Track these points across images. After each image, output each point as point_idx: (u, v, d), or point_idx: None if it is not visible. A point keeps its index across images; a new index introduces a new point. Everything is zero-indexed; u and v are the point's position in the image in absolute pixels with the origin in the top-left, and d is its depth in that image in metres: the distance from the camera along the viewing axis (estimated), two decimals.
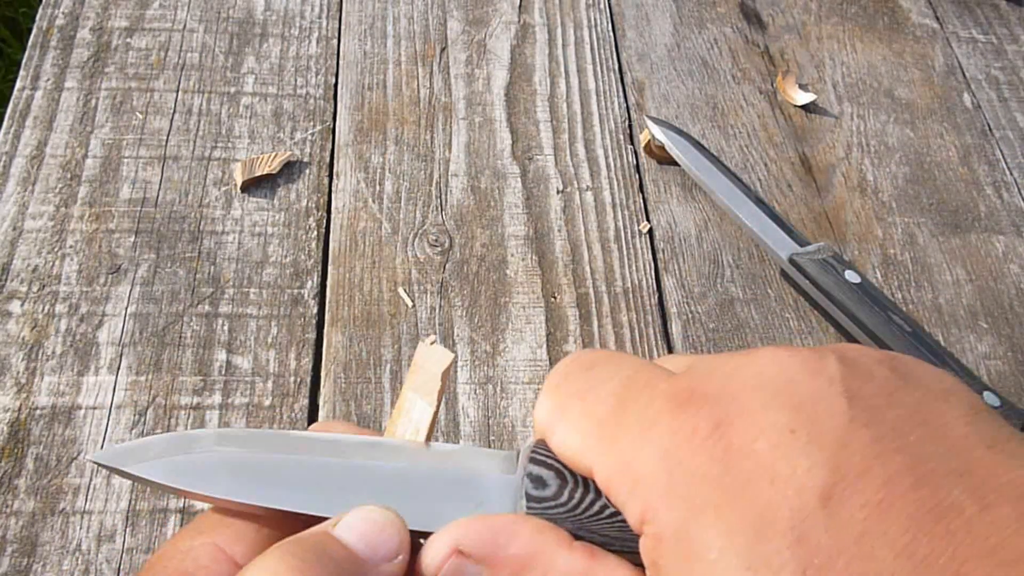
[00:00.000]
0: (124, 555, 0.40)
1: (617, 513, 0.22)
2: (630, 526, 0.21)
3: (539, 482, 0.23)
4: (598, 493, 0.22)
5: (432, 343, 0.27)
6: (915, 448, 0.18)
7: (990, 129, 0.63)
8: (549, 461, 0.23)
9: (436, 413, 0.26)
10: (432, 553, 0.23)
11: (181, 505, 0.41)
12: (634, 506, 0.21)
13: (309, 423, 0.45)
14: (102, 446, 0.42)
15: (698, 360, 0.23)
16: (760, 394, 0.20)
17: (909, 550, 0.17)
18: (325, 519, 0.23)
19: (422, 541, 0.23)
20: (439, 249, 0.52)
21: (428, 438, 0.26)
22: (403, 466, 0.24)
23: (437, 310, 0.49)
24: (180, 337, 0.47)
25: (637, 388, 0.22)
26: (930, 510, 0.17)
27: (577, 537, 0.22)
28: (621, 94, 0.61)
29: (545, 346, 0.48)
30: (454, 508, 0.24)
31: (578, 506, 0.23)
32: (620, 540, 0.22)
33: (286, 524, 0.24)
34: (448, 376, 0.27)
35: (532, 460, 0.23)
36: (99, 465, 0.24)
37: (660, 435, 0.20)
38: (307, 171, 0.54)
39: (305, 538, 0.23)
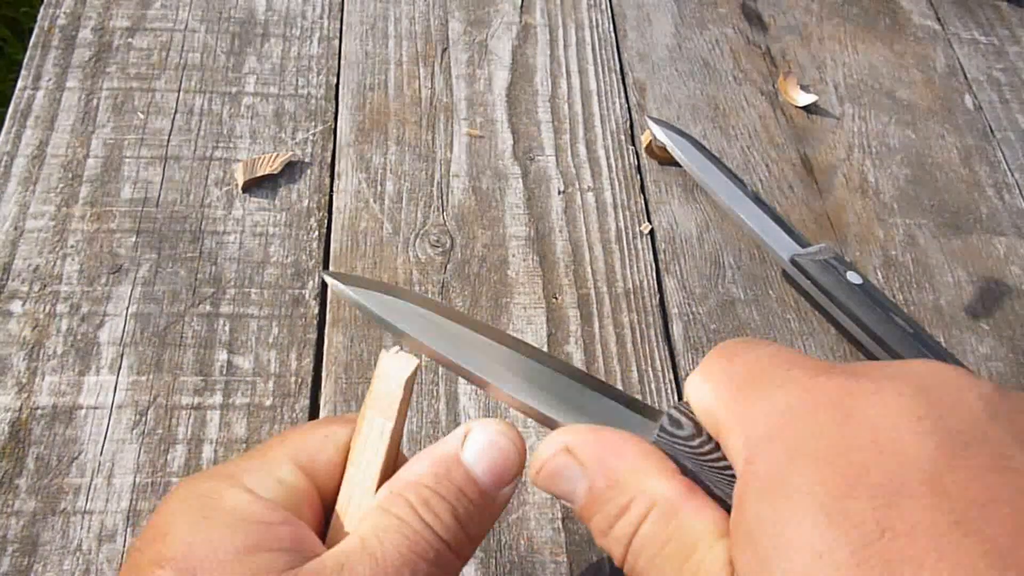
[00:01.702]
0: (125, 555, 0.40)
1: (731, 468, 0.23)
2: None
3: (676, 423, 0.24)
4: (724, 453, 0.24)
5: (396, 352, 0.27)
6: None
7: (991, 130, 0.63)
8: (690, 415, 0.25)
9: (398, 429, 0.26)
10: (545, 446, 0.25)
11: None
12: (742, 449, 0.21)
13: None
14: (103, 446, 0.42)
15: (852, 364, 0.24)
16: (902, 384, 0.20)
17: (1001, 560, 0.17)
18: (478, 378, 0.26)
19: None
20: (440, 249, 0.52)
21: (390, 461, 0.26)
22: (569, 381, 0.27)
23: None
24: (181, 337, 0.47)
25: (781, 358, 0.23)
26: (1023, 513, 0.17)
27: (687, 474, 0.24)
28: (622, 95, 0.61)
29: (546, 347, 0.48)
30: (590, 419, 0.26)
31: (705, 454, 0.24)
32: (731, 497, 0.23)
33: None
34: (412, 385, 0.27)
35: (676, 408, 0.25)
36: (330, 278, 0.28)
37: (788, 393, 0.21)
38: (308, 171, 0.54)
39: (438, 462, 0.25)
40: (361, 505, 0.26)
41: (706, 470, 0.23)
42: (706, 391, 0.23)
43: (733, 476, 0.22)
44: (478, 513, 0.25)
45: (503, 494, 0.26)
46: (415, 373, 0.26)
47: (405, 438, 0.45)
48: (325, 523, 0.27)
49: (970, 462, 0.18)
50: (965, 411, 0.19)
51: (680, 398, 0.47)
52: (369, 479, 0.26)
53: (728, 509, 0.22)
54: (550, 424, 0.26)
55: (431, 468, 0.25)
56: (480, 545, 0.41)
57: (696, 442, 0.24)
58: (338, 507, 0.26)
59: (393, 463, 0.27)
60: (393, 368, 0.26)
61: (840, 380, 0.21)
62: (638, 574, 0.23)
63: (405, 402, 0.26)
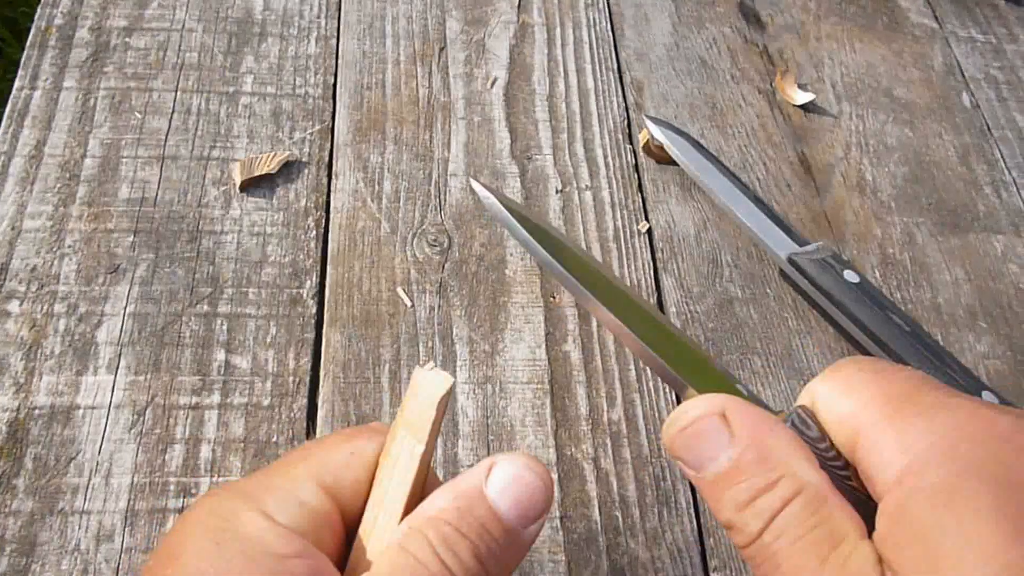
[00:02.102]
0: (123, 555, 0.40)
1: (857, 490, 0.23)
2: (868, 493, 0.22)
3: (804, 423, 0.24)
4: (846, 464, 0.24)
5: (430, 368, 0.25)
6: None
7: (989, 129, 0.63)
8: (815, 418, 0.25)
9: (429, 451, 0.25)
10: (700, 404, 0.24)
11: (180, 505, 0.41)
12: (899, 460, 0.21)
13: (308, 423, 0.45)
14: (101, 446, 0.42)
15: None
16: None
17: None
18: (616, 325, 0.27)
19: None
20: (438, 249, 0.52)
21: (419, 484, 0.25)
22: (699, 353, 0.27)
23: (436, 310, 0.49)
24: (179, 337, 0.46)
25: (933, 384, 0.23)
26: None
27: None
28: (620, 94, 0.61)
29: (544, 346, 0.48)
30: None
31: (827, 453, 0.24)
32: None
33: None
34: (446, 405, 0.25)
35: (800, 409, 0.25)
36: (480, 187, 0.29)
37: (955, 416, 0.21)
38: (306, 171, 0.54)
39: (461, 496, 0.24)
40: (386, 530, 0.25)
41: (829, 469, 0.23)
42: (849, 403, 0.23)
43: (854, 488, 0.23)
44: (501, 552, 0.24)
45: (529, 532, 0.24)
46: (450, 392, 0.25)
47: None
48: (347, 543, 0.26)
49: None
50: None
51: (677, 397, 0.47)
52: (396, 503, 0.25)
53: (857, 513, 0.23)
54: (677, 386, 0.26)
55: (454, 503, 0.24)
56: None
57: (822, 445, 0.24)
58: (362, 530, 0.25)
59: (422, 486, 0.26)
60: (427, 386, 0.25)
61: (1009, 416, 0.21)
62: (772, 553, 0.22)
63: (438, 423, 0.25)
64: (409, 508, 0.25)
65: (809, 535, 0.22)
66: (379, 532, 0.25)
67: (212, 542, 0.23)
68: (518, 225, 0.29)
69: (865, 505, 0.23)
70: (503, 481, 0.24)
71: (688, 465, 0.24)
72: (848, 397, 0.24)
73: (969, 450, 0.20)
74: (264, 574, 0.22)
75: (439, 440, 0.45)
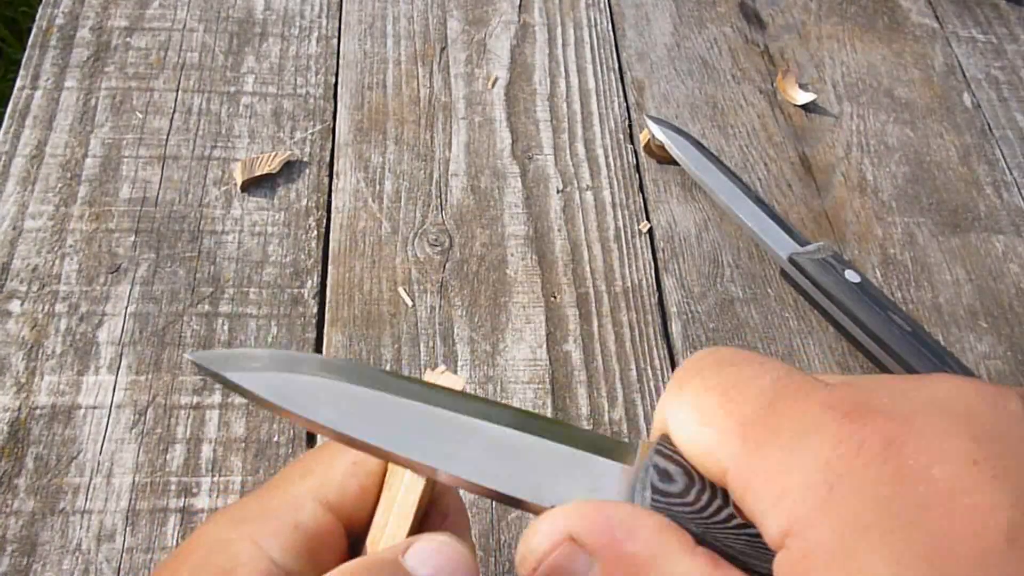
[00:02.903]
0: (124, 555, 0.40)
1: (746, 525, 0.20)
2: (763, 540, 0.19)
3: (665, 476, 0.21)
4: (726, 500, 0.21)
5: (440, 372, 0.24)
6: None
7: (990, 129, 0.63)
8: (676, 458, 0.21)
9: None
10: (542, 535, 0.21)
11: (181, 504, 0.41)
12: (777, 516, 0.19)
13: None
14: (102, 446, 0.42)
15: (858, 377, 0.21)
16: (937, 418, 0.18)
17: None
18: (419, 465, 0.22)
19: (532, 518, 0.21)
20: (439, 249, 0.52)
21: (427, 493, 0.24)
22: (514, 432, 0.23)
23: (437, 310, 0.49)
24: (180, 337, 0.47)
25: (789, 391, 0.20)
26: None
27: (699, 542, 0.20)
28: (621, 94, 0.61)
29: (545, 346, 0.48)
30: (566, 486, 0.22)
31: (705, 508, 0.21)
32: (743, 554, 0.20)
33: (333, 523, 0.24)
34: None
35: (658, 452, 0.21)
36: (197, 366, 0.23)
37: (819, 444, 0.19)
38: (307, 171, 0.54)
39: (374, 569, 0.22)
40: (395, 540, 0.24)
41: (714, 530, 0.21)
42: (706, 437, 0.21)
43: (751, 535, 0.20)
44: None
45: None
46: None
47: None
48: (352, 557, 0.25)
49: None
50: (1010, 447, 0.18)
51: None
52: (405, 511, 0.24)
53: (750, 567, 0.20)
54: (521, 505, 0.22)
55: (367, 573, 0.22)
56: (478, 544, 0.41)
57: (691, 497, 0.21)
58: (369, 541, 0.24)
59: (429, 495, 0.25)
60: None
61: (875, 424, 0.19)
62: None
63: None
64: (419, 514, 0.24)
65: None
66: (391, 532, 0.24)
67: (195, 570, 0.22)
68: (257, 392, 0.23)
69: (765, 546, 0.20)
70: (422, 553, 0.22)
71: None
72: (702, 426, 0.21)
73: (851, 493, 0.18)
74: None
75: None
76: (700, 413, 0.21)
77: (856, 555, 0.17)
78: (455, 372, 0.47)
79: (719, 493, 0.21)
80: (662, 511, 0.21)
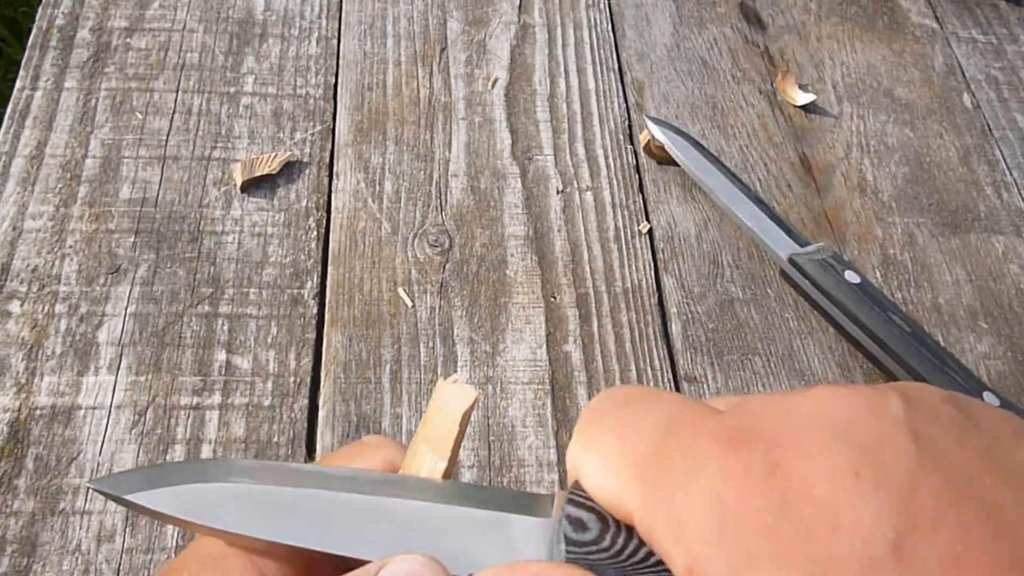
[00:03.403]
0: (124, 555, 0.40)
1: (663, 561, 0.20)
2: None
3: (579, 524, 0.21)
4: (641, 540, 0.21)
5: (453, 381, 0.24)
6: (990, 495, 0.17)
7: (990, 129, 0.63)
8: (588, 503, 0.21)
9: (450, 467, 0.24)
10: None
11: None
12: (680, 556, 0.19)
13: (309, 423, 0.45)
14: (102, 447, 0.42)
15: (747, 399, 0.21)
16: (819, 434, 0.19)
17: None
18: (345, 557, 0.22)
19: None
20: (439, 249, 0.52)
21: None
22: (426, 504, 0.23)
23: (437, 310, 0.49)
24: (180, 337, 0.47)
25: (680, 426, 0.20)
26: (1012, 565, 0.16)
27: None
28: (621, 94, 0.61)
29: (545, 346, 0.48)
30: (484, 551, 0.22)
31: (621, 551, 0.21)
32: None
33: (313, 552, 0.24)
34: (468, 419, 0.24)
35: (570, 502, 0.22)
36: (99, 492, 0.22)
37: (709, 478, 0.19)
38: (307, 171, 0.54)
39: None
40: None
41: (634, 572, 0.21)
42: (609, 481, 0.21)
43: (668, 571, 0.20)
44: None
45: None
46: (472, 406, 0.24)
47: (405, 437, 0.45)
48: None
49: (928, 513, 0.17)
50: (891, 454, 0.18)
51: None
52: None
53: None
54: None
55: None
56: None
57: (607, 541, 0.21)
58: None
59: None
60: (450, 400, 0.24)
61: (759, 450, 0.19)
62: None
63: (460, 438, 0.24)
64: None
65: None
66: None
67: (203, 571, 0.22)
68: (165, 512, 0.23)
69: None
70: (396, 571, 0.21)
71: None
72: (604, 472, 0.21)
73: (740, 526, 0.18)
74: None
75: None
76: (601, 458, 0.21)
77: None
78: (454, 373, 0.47)
79: (634, 533, 0.21)
80: (578, 560, 0.21)
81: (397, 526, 0.22)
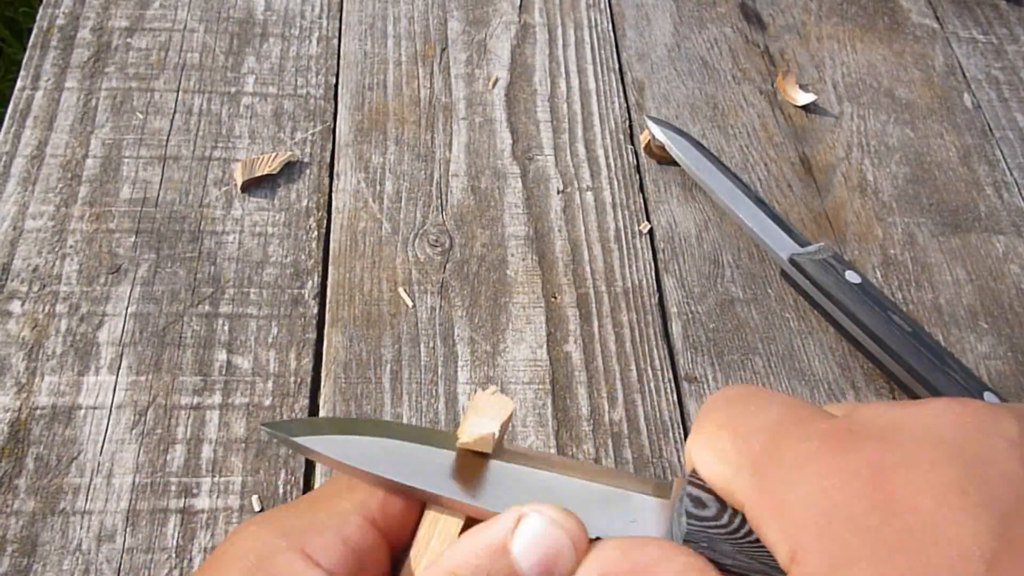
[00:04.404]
0: (124, 555, 0.40)
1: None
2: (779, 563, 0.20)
3: (699, 503, 0.23)
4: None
5: (492, 393, 0.25)
6: None
7: (990, 129, 0.63)
8: (704, 487, 0.23)
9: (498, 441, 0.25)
10: (584, 570, 0.22)
11: (182, 505, 0.41)
12: (784, 545, 0.20)
13: None
14: (102, 446, 0.42)
15: (861, 406, 0.22)
16: (929, 447, 0.19)
17: None
18: (474, 508, 0.24)
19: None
20: (439, 249, 0.52)
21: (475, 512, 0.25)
22: (552, 475, 0.24)
23: (437, 310, 0.49)
24: (180, 337, 0.47)
25: (792, 424, 0.21)
26: None
27: (733, 562, 0.22)
28: (621, 94, 0.61)
29: (545, 346, 0.48)
30: (605, 523, 0.24)
31: (738, 530, 0.22)
32: (775, 570, 0.22)
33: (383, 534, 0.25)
34: (506, 430, 0.25)
35: (691, 483, 0.23)
36: (272, 435, 0.25)
37: (816, 474, 0.20)
38: (307, 171, 0.54)
39: (483, 552, 0.22)
40: (438, 555, 0.24)
41: (746, 549, 0.22)
42: (723, 472, 0.22)
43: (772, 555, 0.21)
44: None
45: None
46: (510, 418, 0.25)
47: None
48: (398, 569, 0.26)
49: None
50: (999, 474, 0.18)
51: (678, 397, 0.47)
52: (450, 527, 0.24)
53: None
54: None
55: (475, 559, 0.22)
56: None
57: (725, 519, 0.23)
58: (413, 556, 0.25)
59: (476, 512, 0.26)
60: (488, 409, 0.25)
61: (867, 453, 0.19)
62: None
63: (499, 444, 0.25)
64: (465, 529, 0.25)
65: None
66: (430, 557, 0.25)
67: None
68: (323, 452, 0.26)
69: None
70: (529, 538, 0.23)
71: None
72: (719, 464, 0.22)
73: (843, 522, 0.19)
74: None
75: None
76: (715, 452, 0.22)
77: None
78: (454, 374, 0.47)
79: (746, 519, 0.22)
80: (698, 533, 0.23)
81: (525, 489, 0.24)
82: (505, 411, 0.25)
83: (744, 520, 0.22)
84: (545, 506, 0.23)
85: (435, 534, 0.25)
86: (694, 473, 0.24)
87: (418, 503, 0.26)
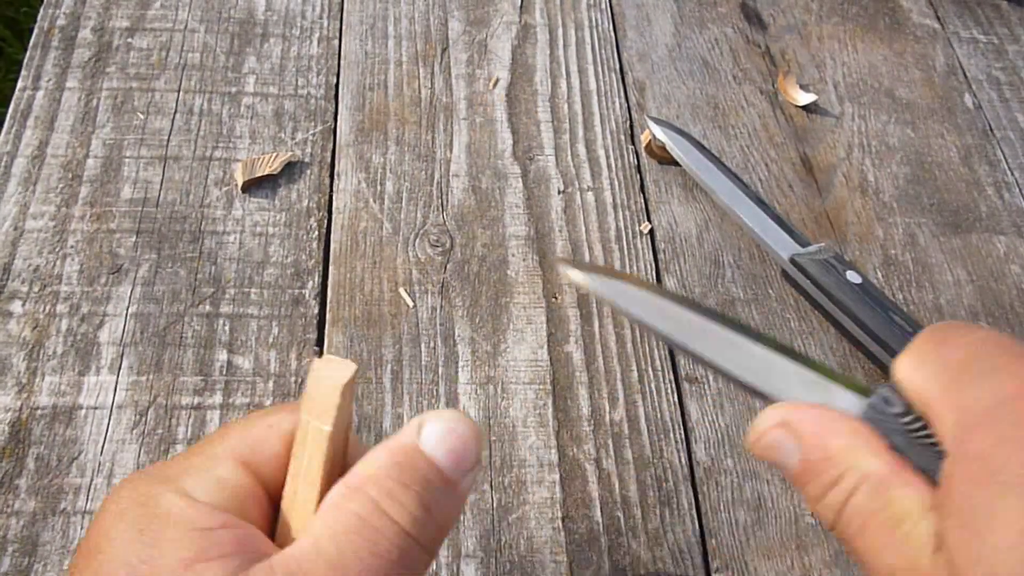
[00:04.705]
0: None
1: (939, 446, 0.24)
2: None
3: (887, 401, 0.26)
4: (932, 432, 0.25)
5: (329, 358, 0.25)
6: None
7: (991, 129, 0.63)
8: (899, 393, 0.26)
9: (339, 429, 0.25)
10: (764, 419, 0.27)
11: None
12: (954, 431, 0.22)
13: None
14: (103, 446, 0.43)
15: None
16: None
17: None
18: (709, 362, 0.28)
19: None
20: (440, 249, 0.52)
21: (335, 462, 0.25)
22: (784, 358, 0.28)
23: (438, 310, 0.49)
24: (181, 337, 0.47)
25: (991, 344, 0.24)
26: None
27: (896, 450, 0.25)
28: (622, 94, 0.61)
29: (546, 346, 0.48)
30: (804, 396, 0.27)
31: (911, 425, 0.25)
32: (936, 472, 0.24)
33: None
34: (352, 390, 0.25)
35: (887, 388, 0.26)
36: (570, 273, 0.29)
37: (999, 381, 0.22)
38: (308, 171, 0.54)
39: (396, 452, 0.24)
40: (307, 502, 0.25)
41: (915, 445, 0.25)
42: (918, 375, 0.25)
43: (941, 453, 0.24)
44: (445, 501, 0.25)
45: (466, 482, 0.25)
46: (353, 378, 0.25)
47: None
48: (274, 519, 0.26)
49: None
50: None
51: (679, 398, 0.47)
52: (312, 478, 0.25)
53: (935, 483, 0.24)
54: (766, 399, 0.28)
55: (389, 459, 0.24)
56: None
57: (907, 419, 0.25)
58: (283, 503, 0.25)
59: (342, 458, 0.26)
60: (328, 373, 0.25)
61: None
62: (848, 538, 0.25)
63: (345, 407, 0.25)
64: (326, 481, 0.25)
65: (873, 521, 0.24)
66: (300, 504, 0.25)
67: (134, 529, 0.23)
68: (604, 294, 0.30)
69: None
70: (436, 434, 0.25)
71: (774, 466, 0.27)
72: (918, 370, 0.25)
73: (1008, 417, 0.21)
74: (192, 550, 0.22)
75: None
76: (919, 359, 0.25)
77: (1000, 463, 0.20)
78: (455, 374, 0.47)
79: (927, 425, 0.25)
80: (875, 420, 0.26)
81: (753, 359, 0.28)
82: (345, 376, 0.25)
83: (924, 426, 0.25)
84: (441, 411, 0.25)
85: (306, 446, 0.25)
86: (893, 383, 0.26)
87: (287, 444, 0.26)
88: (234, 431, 0.26)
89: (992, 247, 0.56)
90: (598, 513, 0.43)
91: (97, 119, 0.54)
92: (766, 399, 0.28)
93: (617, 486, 0.44)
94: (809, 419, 0.26)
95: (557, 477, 0.44)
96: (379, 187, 0.54)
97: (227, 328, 0.47)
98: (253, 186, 0.53)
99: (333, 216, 0.52)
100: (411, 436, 0.25)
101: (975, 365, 0.23)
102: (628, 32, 0.65)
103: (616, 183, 0.56)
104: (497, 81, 0.60)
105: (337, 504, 0.24)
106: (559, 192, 0.55)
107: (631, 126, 0.59)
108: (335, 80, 0.59)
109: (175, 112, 0.55)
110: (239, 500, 0.25)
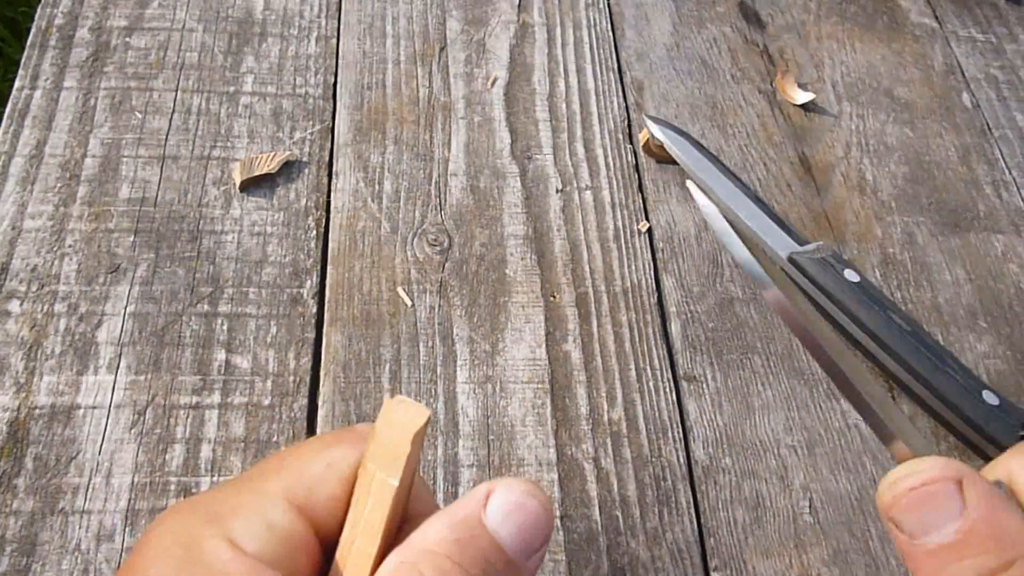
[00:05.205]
0: (123, 554, 0.40)
1: None
2: None
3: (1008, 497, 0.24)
4: None
5: (401, 400, 0.23)
6: None
7: (989, 128, 0.63)
8: (1014, 494, 0.24)
9: (405, 484, 0.23)
10: (932, 466, 0.23)
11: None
12: None
13: (308, 423, 0.45)
14: (101, 446, 0.42)
15: None
16: None
17: None
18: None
19: None
20: (438, 248, 0.52)
21: (395, 516, 0.23)
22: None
23: (436, 309, 0.49)
24: (179, 337, 0.47)
25: None
26: None
27: None
28: (620, 93, 0.61)
29: (544, 345, 0.48)
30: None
31: None
32: None
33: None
34: (422, 439, 0.23)
35: (998, 484, 0.24)
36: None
37: None
38: (306, 171, 0.54)
39: (459, 526, 0.22)
40: (361, 559, 0.23)
41: None
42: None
43: None
44: None
45: (532, 563, 0.23)
46: (426, 426, 0.23)
47: None
48: (325, 567, 0.24)
49: None
50: None
51: (677, 397, 0.47)
52: (372, 534, 0.23)
53: None
54: (883, 435, 0.25)
55: (451, 534, 0.22)
56: None
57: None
58: (339, 553, 0.24)
59: (400, 514, 0.24)
60: (399, 417, 0.23)
61: None
62: None
63: (414, 457, 0.23)
64: (387, 538, 0.23)
65: None
66: (357, 555, 0.23)
67: (175, 572, 0.21)
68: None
69: None
70: (503, 509, 0.22)
71: (905, 529, 0.23)
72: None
73: None
74: None
75: (440, 440, 0.45)
76: None
77: None
78: (453, 373, 0.47)
79: None
80: None
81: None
82: (417, 423, 0.23)
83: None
84: (512, 480, 0.23)
85: (369, 494, 0.23)
86: (1001, 483, 0.24)
87: (347, 494, 0.24)
88: (291, 466, 0.24)
89: (990, 246, 0.56)
90: (596, 512, 0.43)
91: (95, 119, 0.54)
92: (887, 437, 0.25)
93: (615, 485, 0.44)
94: (982, 485, 0.23)
95: (555, 476, 0.44)
96: (377, 186, 0.54)
97: (225, 328, 0.47)
98: (251, 185, 0.53)
99: (331, 215, 0.52)
100: (475, 508, 0.23)
101: None
102: (626, 31, 0.65)
103: (614, 182, 0.56)
104: (495, 80, 0.60)
105: None
106: (557, 191, 0.55)
107: (629, 125, 0.59)
108: (333, 79, 0.59)
109: (173, 111, 0.55)
110: (289, 550, 0.23)
